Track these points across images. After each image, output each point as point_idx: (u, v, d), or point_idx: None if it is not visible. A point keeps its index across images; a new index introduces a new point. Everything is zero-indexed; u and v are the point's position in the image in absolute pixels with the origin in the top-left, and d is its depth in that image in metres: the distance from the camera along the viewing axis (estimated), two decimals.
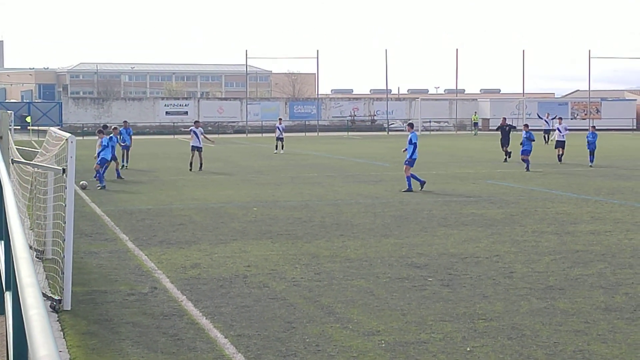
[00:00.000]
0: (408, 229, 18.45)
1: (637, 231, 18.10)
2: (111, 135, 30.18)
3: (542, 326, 10.29)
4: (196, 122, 38.15)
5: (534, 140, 34.59)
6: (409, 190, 26.12)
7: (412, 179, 26.52)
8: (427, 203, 23.24)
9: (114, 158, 32.15)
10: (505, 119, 45.11)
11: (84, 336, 9.94)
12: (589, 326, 10.29)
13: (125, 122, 38.57)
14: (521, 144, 34.79)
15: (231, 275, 13.43)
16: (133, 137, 38.21)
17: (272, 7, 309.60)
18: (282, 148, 48.46)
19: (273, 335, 9.92)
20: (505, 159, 40.09)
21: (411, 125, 28.40)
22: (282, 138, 48.89)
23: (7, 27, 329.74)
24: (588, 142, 37.15)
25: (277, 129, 49.34)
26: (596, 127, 40.52)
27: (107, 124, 38.31)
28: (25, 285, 4.06)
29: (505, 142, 40.92)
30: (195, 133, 35.22)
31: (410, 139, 26.60)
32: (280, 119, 53.17)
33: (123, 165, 34.15)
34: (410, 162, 26.49)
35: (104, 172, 28.66)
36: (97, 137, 29.99)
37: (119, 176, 31.34)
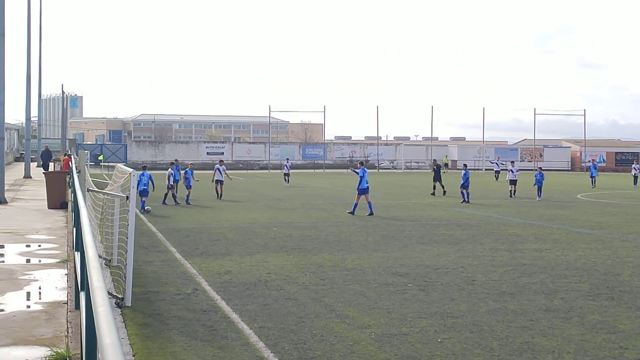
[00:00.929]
0: (393, 245, 18.39)
1: (571, 249, 18.02)
2: (143, 171, 28.11)
3: (496, 323, 10.23)
4: (220, 161, 37.12)
5: (468, 177, 34.23)
6: (352, 213, 26.08)
7: (355, 206, 26.47)
8: (407, 225, 23.18)
9: (169, 187, 31.48)
10: (435, 160, 44.16)
11: (141, 327, 9.90)
12: (533, 323, 10.22)
13: (175, 160, 36.31)
14: (462, 179, 34.69)
15: (255, 280, 13.38)
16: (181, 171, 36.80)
17: (289, 72, 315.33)
18: (288, 182, 48.10)
19: (287, 327, 9.87)
20: (433, 192, 38.38)
21: (361, 163, 27.78)
22: (288, 174, 48.71)
23: (85, 85, 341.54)
24: (536, 180, 36.81)
25: (285, 167, 49.14)
26: (542, 168, 40.25)
27: (175, 160, 35.55)
28: (95, 287, 4.07)
29: (437, 178, 39.02)
30: (219, 170, 35.02)
31: (358, 173, 26.58)
32: (287, 159, 53.01)
33: (174, 195, 32.65)
34: (360, 190, 26.45)
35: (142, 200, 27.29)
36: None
37: (187, 202, 31.18)
